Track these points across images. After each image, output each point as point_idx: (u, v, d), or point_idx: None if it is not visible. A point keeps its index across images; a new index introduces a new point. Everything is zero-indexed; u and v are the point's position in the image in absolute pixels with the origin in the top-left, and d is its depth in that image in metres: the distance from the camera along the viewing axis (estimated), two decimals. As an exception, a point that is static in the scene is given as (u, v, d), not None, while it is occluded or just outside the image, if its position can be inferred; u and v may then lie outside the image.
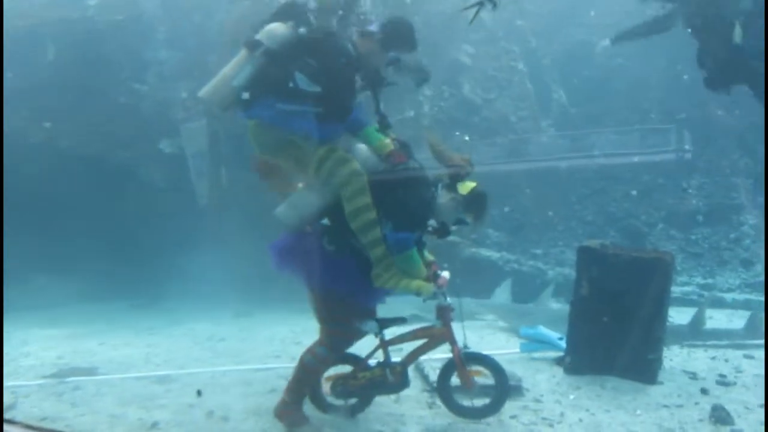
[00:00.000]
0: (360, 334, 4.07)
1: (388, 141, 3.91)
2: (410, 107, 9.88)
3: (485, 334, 7.17)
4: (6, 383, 5.16)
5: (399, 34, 3.91)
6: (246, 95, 3.73)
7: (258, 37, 3.79)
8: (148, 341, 7.15)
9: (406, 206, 3.80)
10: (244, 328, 7.87)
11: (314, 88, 3.68)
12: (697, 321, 6.57)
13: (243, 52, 3.83)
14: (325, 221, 3.88)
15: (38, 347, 6.80)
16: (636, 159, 9.76)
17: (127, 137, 9.49)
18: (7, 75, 8.44)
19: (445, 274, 3.95)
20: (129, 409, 4.56)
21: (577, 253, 5.47)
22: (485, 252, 9.86)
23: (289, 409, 4.04)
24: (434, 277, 3.89)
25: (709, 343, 6.37)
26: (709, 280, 9.74)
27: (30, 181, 8.62)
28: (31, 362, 6.13)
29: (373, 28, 3.91)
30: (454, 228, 4.05)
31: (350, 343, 4.08)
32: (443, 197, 3.94)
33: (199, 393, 4.79)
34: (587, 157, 9.88)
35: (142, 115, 9.37)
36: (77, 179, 9.08)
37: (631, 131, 10.03)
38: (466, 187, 3.93)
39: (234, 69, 3.78)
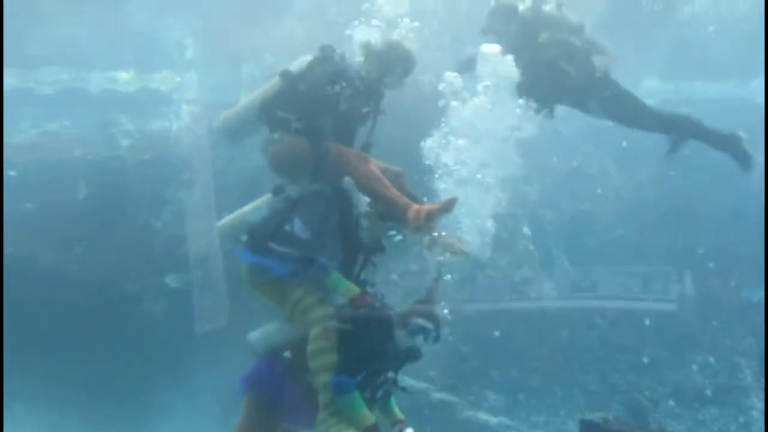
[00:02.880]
0: None
1: (353, 286, 4.04)
2: (414, 262, 10.07)
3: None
4: None
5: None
6: (243, 236, 4.05)
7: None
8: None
9: (350, 350, 3.84)
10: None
11: (305, 234, 3.95)
12: None
13: (267, 195, 4.19)
14: (287, 354, 4.07)
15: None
16: (636, 304, 9.76)
17: (135, 269, 9.67)
18: (26, 205, 8.84)
19: (409, 430, 3.90)
20: None
21: (580, 426, 5.28)
22: (483, 416, 9.46)
23: None
24: None
25: None
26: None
27: (28, 306, 8.65)
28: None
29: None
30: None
31: None
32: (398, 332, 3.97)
33: None
34: (588, 299, 9.87)
35: (153, 250, 9.62)
36: (77, 307, 9.10)
37: (632, 274, 10.11)
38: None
39: (253, 208, 4.17)
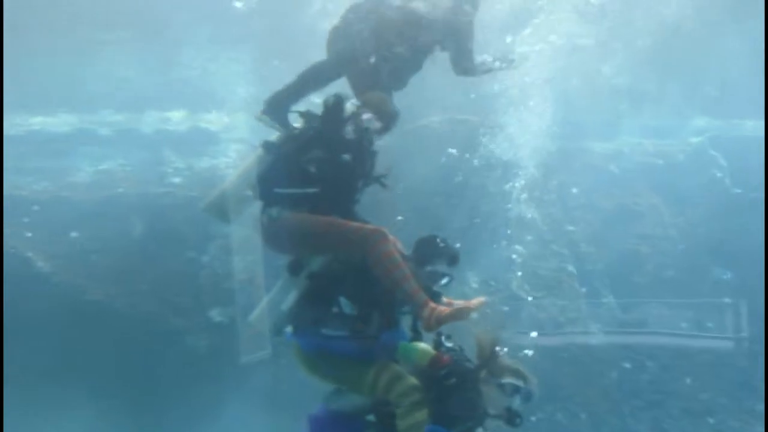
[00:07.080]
0: None
1: (425, 347, 3.89)
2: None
3: None
4: None
5: (434, 252, 4.13)
6: (290, 327, 3.90)
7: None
8: None
9: (442, 412, 3.67)
10: None
11: (354, 311, 3.85)
12: None
13: (284, 276, 4.01)
14: (371, 417, 3.85)
15: None
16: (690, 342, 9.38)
17: (180, 304, 9.87)
18: (78, 238, 9.25)
19: None
20: None
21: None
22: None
23: None
24: None
25: None
26: None
27: (75, 338, 8.88)
28: None
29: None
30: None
31: None
32: (486, 388, 3.79)
33: None
34: (638, 334, 9.54)
35: (198, 284, 9.82)
36: (123, 341, 9.31)
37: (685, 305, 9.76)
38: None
39: (279, 293, 3.97)
